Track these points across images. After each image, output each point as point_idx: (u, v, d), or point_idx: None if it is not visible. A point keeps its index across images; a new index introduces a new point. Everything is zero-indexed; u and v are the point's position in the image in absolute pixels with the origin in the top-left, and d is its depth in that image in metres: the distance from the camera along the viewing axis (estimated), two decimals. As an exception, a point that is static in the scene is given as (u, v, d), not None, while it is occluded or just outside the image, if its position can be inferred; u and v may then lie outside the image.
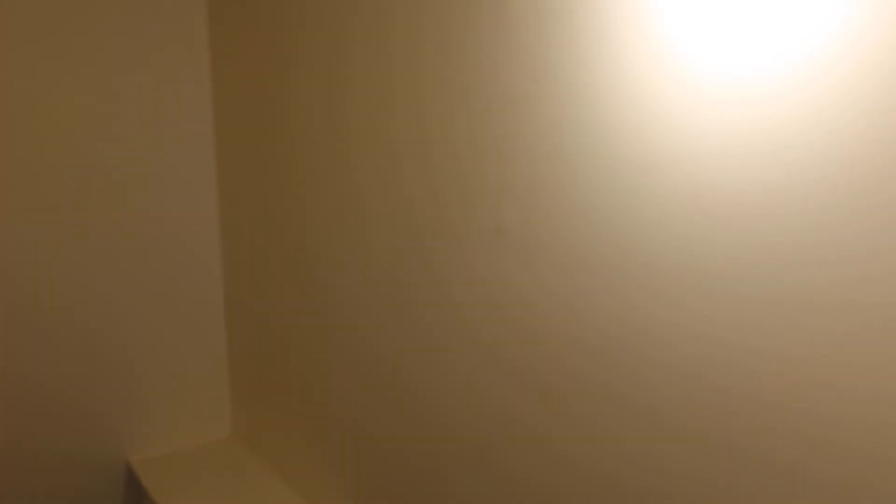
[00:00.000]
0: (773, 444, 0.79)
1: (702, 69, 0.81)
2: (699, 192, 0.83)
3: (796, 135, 0.73)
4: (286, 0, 1.58)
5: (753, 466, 0.81)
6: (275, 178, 1.73)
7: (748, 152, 0.78)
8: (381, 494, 1.49)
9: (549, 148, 1.00)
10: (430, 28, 1.19)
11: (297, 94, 1.59)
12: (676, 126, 0.84)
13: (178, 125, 1.93)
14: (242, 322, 2.01)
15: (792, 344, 0.76)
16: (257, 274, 1.88)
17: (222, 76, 1.92)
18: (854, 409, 0.72)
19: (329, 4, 1.44)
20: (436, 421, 1.30)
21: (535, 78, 1.01)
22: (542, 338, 1.06)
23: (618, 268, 0.93)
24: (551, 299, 1.03)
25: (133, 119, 1.85)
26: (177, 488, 1.84)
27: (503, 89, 1.06)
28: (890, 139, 0.67)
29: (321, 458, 1.70)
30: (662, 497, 0.92)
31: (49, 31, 1.72)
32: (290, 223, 1.69)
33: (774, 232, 0.76)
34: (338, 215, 1.50)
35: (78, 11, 1.75)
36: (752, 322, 0.79)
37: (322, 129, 1.52)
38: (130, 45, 1.83)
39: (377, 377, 1.45)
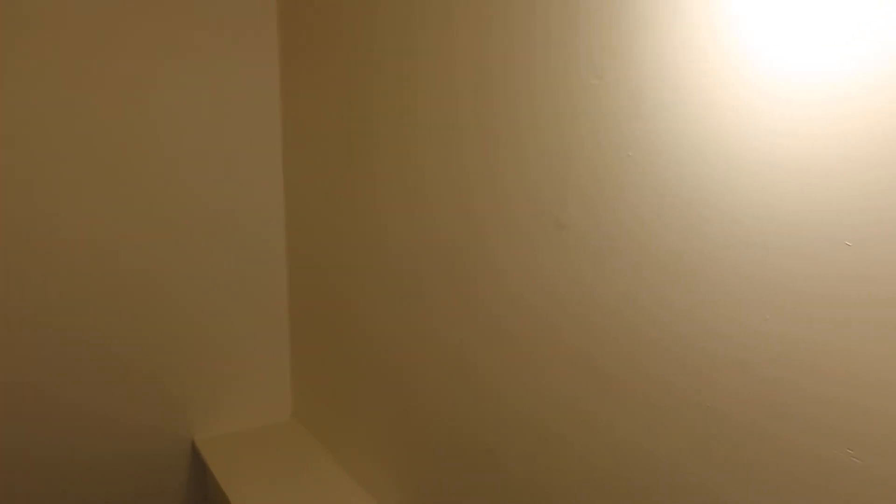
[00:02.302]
0: (829, 445, 0.78)
1: (774, 66, 0.80)
2: (768, 191, 0.82)
3: (870, 137, 0.72)
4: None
5: (810, 464, 0.80)
6: (339, 168, 1.77)
7: (820, 156, 0.77)
8: (435, 483, 1.52)
9: (614, 143, 1.00)
10: (495, 21, 1.20)
11: (364, 86, 1.62)
12: (746, 125, 0.84)
13: (249, 122, 1.99)
14: (305, 309, 2.06)
15: (857, 342, 0.75)
16: (320, 263, 1.93)
17: (290, 69, 1.97)
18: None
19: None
20: (495, 411, 1.32)
21: (598, 73, 1.01)
22: (603, 330, 1.06)
23: (685, 264, 0.93)
24: (615, 294, 1.03)
25: (207, 117, 1.92)
26: (238, 467, 1.90)
27: (568, 83, 1.06)
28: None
29: (376, 444, 1.73)
30: (719, 491, 0.92)
31: (128, 33, 1.79)
32: (354, 212, 1.72)
33: (843, 234, 0.75)
34: (402, 205, 1.53)
35: (154, 16, 1.82)
36: (822, 324, 0.79)
37: (387, 119, 1.54)
38: (206, 46, 1.89)
39: (437, 366, 1.47)
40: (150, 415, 1.99)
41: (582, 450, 1.13)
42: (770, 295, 0.83)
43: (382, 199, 1.59)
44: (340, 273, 1.82)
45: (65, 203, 1.78)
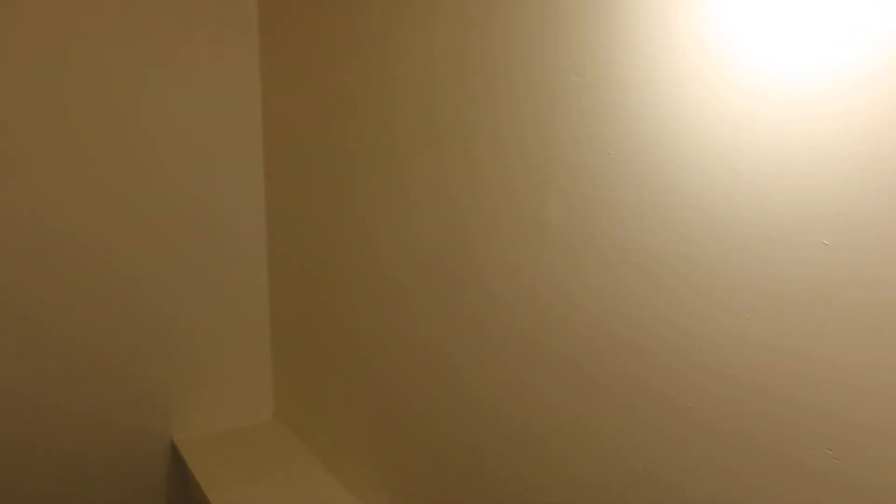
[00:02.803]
0: (807, 450, 0.77)
1: (757, 65, 0.79)
2: (750, 192, 0.81)
3: (855, 139, 0.71)
4: (329, 8, 1.59)
5: (788, 470, 0.80)
6: (319, 168, 1.75)
7: (801, 157, 0.76)
8: (417, 480, 1.51)
9: (594, 142, 0.99)
10: (474, 20, 1.18)
11: (344, 86, 1.60)
12: (728, 125, 0.82)
13: (230, 121, 1.97)
14: (286, 308, 2.04)
15: (839, 348, 0.74)
16: (302, 261, 1.91)
17: (271, 70, 1.94)
18: (901, 418, 0.70)
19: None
20: (477, 410, 1.31)
21: (578, 71, 0.99)
22: (584, 333, 1.05)
23: (665, 266, 0.92)
24: (594, 296, 1.02)
25: (187, 118, 1.90)
26: (218, 467, 1.88)
27: (548, 82, 1.05)
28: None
29: (360, 445, 1.72)
30: (696, 493, 0.91)
31: (115, 34, 1.76)
32: (335, 212, 1.70)
33: (822, 234, 0.74)
34: (383, 204, 1.51)
35: (137, 14, 1.79)
36: (799, 326, 0.78)
37: (367, 119, 1.52)
38: (188, 46, 1.87)
39: (420, 366, 1.46)
40: (129, 414, 1.96)
41: (562, 452, 1.12)
42: (752, 298, 0.82)
43: (363, 199, 1.57)
44: (322, 272, 1.80)
45: (44, 202, 1.75)
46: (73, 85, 1.74)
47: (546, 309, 1.11)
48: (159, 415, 2.00)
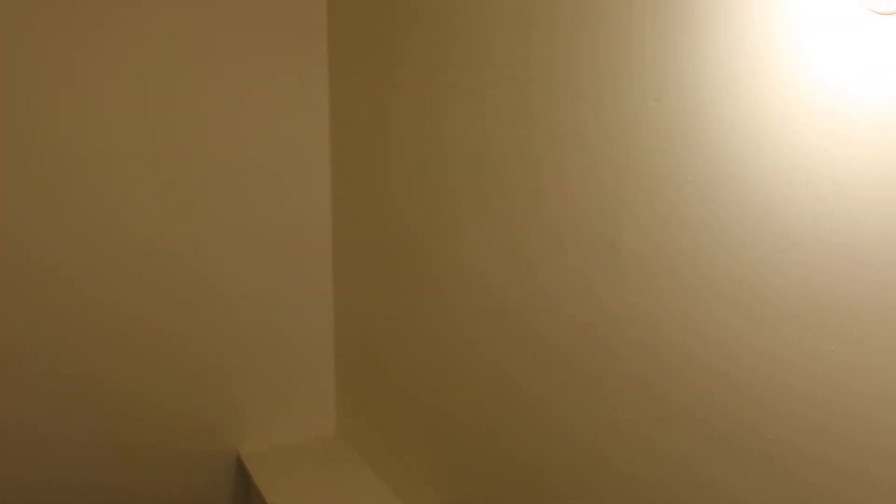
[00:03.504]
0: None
1: (838, 92, 0.78)
2: (831, 217, 0.80)
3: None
4: (395, 17, 1.63)
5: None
6: (382, 185, 1.78)
7: (886, 182, 0.74)
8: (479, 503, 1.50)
9: (672, 168, 0.99)
10: (562, 38, 1.19)
11: (427, 101, 1.63)
12: (808, 149, 0.81)
13: (298, 137, 2.02)
14: (350, 327, 2.07)
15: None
16: (365, 280, 1.94)
17: (338, 91, 1.99)
18: None
19: (432, 18, 1.47)
20: (542, 434, 1.30)
21: (656, 96, 1.00)
22: (661, 355, 1.04)
23: (747, 291, 0.91)
24: (674, 320, 1.01)
25: (257, 128, 1.96)
26: (282, 481, 1.91)
27: (627, 106, 1.05)
28: None
29: (421, 464, 1.72)
30: (779, 531, 0.89)
31: (183, 46, 1.83)
32: (399, 231, 1.73)
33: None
34: (447, 224, 1.53)
35: (208, 30, 1.86)
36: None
37: (424, 135, 1.55)
38: (258, 61, 1.93)
39: (485, 388, 1.46)
40: (200, 426, 2.01)
41: (636, 479, 1.10)
42: (837, 323, 0.80)
43: (427, 218, 1.59)
44: (384, 291, 1.82)
45: (126, 214, 1.82)
46: (154, 98, 1.82)
47: (619, 330, 1.10)
48: (227, 428, 2.05)
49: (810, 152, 0.81)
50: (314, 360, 2.16)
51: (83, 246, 1.79)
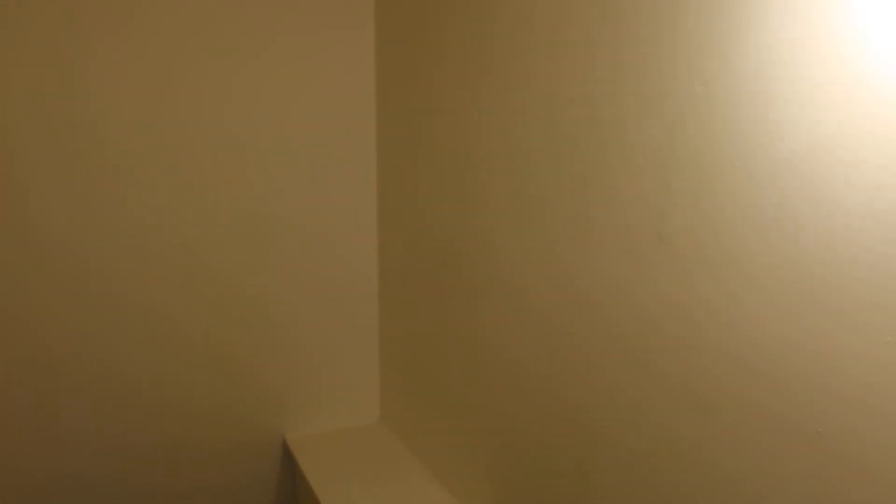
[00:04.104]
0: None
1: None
2: (889, 206, 0.76)
3: None
4: (436, 21, 1.61)
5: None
6: (424, 182, 1.77)
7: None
8: (523, 493, 1.49)
9: (716, 156, 0.96)
10: (577, 19, 1.17)
11: (466, 95, 1.61)
12: (869, 142, 0.78)
13: (344, 137, 2.04)
14: (394, 317, 2.08)
15: None
16: (408, 272, 1.94)
17: (384, 96, 1.99)
18: None
19: (471, 20, 1.45)
20: (583, 425, 1.29)
21: (705, 80, 0.96)
22: (698, 352, 1.01)
23: (791, 287, 0.88)
24: (717, 321, 0.99)
25: (303, 124, 1.97)
26: (326, 466, 1.93)
27: (673, 91, 1.02)
28: None
29: (465, 451, 1.72)
30: (830, 531, 0.86)
31: (232, 48, 1.85)
32: (446, 219, 1.72)
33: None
34: (498, 212, 1.52)
35: (256, 32, 1.87)
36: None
37: (491, 128, 1.53)
38: (305, 64, 1.95)
39: (521, 376, 1.45)
40: (248, 413, 2.05)
41: (674, 475, 1.08)
42: (890, 320, 0.77)
43: (475, 206, 1.58)
44: (426, 283, 1.82)
45: (169, 219, 1.86)
46: (184, 95, 1.84)
47: (662, 331, 1.08)
48: (274, 414, 2.08)
49: (870, 144, 0.78)
50: (359, 351, 2.17)
51: (124, 244, 1.83)
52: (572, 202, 1.25)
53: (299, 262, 2.04)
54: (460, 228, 1.64)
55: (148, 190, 1.82)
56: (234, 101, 1.88)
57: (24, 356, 1.76)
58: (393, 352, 2.11)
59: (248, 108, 1.90)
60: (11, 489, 1.81)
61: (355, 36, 2.01)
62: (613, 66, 1.13)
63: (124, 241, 1.82)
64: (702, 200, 0.99)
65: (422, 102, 1.78)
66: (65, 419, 1.84)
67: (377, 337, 2.19)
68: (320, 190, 2.03)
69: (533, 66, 1.33)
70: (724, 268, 0.97)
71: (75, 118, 1.72)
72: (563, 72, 1.25)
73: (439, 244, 1.75)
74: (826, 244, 0.83)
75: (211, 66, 1.84)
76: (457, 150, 1.63)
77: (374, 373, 2.21)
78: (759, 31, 0.88)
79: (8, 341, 1.75)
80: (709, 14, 0.95)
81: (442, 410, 1.83)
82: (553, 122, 1.28)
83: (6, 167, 1.68)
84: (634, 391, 1.15)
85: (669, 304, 1.06)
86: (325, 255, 2.07)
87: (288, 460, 2.12)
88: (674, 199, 1.03)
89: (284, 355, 2.07)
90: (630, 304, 1.14)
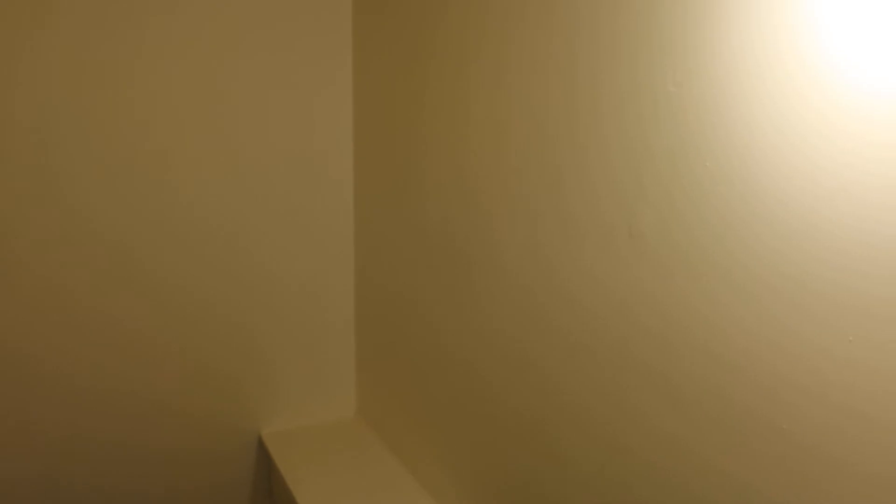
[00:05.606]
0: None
1: (863, 84, 0.76)
2: (860, 212, 0.78)
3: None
4: (420, 11, 1.62)
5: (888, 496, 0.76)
6: (403, 170, 1.78)
7: (912, 168, 0.72)
8: (497, 488, 1.51)
9: (689, 155, 0.97)
10: (559, 20, 1.18)
11: (448, 88, 1.62)
12: (831, 140, 0.80)
13: (323, 122, 2.02)
14: (370, 309, 2.08)
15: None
16: (385, 266, 1.94)
17: (361, 82, 1.99)
18: None
19: (458, 12, 1.46)
20: (565, 417, 1.30)
21: (676, 81, 0.98)
22: (673, 346, 1.03)
23: (761, 283, 0.90)
24: (688, 311, 1.00)
25: (280, 113, 1.96)
26: (302, 461, 1.94)
27: (646, 92, 1.04)
28: None
29: (440, 446, 1.73)
30: (795, 523, 0.88)
31: (218, 46, 1.84)
32: (417, 213, 1.73)
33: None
34: (460, 205, 1.52)
35: (236, 28, 1.86)
36: (906, 349, 0.74)
37: (476, 119, 1.54)
38: (284, 59, 1.94)
39: (504, 371, 1.46)
40: (221, 408, 2.04)
41: (650, 459, 1.10)
42: (853, 318, 0.79)
43: (442, 198, 1.59)
44: (406, 273, 1.83)
45: (135, 223, 1.84)
46: (179, 86, 1.83)
47: (635, 319, 1.10)
48: (248, 410, 2.08)
49: (834, 143, 0.80)
50: (335, 345, 2.17)
51: (89, 252, 1.81)
52: (551, 196, 1.26)
53: (273, 254, 2.03)
54: (439, 223, 1.65)
55: (115, 196, 1.80)
56: (203, 103, 1.87)
57: (-6, 352, 1.75)
58: (369, 346, 2.11)
59: (218, 112, 1.89)
60: (-19, 486, 1.79)
61: (332, 23, 2.00)
62: (591, 68, 1.14)
63: (89, 248, 1.81)
64: (674, 198, 1.00)
65: (402, 100, 1.79)
66: (35, 421, 1.82)
67: (353, 331, 2.19)
68: (296, 185, 2.02)
69: (518, 65, 1.34)
70: (697, 263, 0.98)
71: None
72: (548, 73, 1.26)
73: (417, 239, 1.76)
74: (792, 242, 0.85)
75: (203, 60, 1.83)
76: (439, 145, 1.64)
77: (351, 368, 2.21)
78: (727, 35, 0.90)
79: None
80: (682, 19, 0.97)
81: (418, 405, 1.84)
82: (534, 117, 1.29)
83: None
84: (615, 384, 1.17)
85: (645, 298, 1.08)
86: (300, 248, 2.06)
87: (264, 456, 2.12)
88: (646, 196, 1.05)
89: (258, 350, 2.06)
90: (608, 297, 1.16)
